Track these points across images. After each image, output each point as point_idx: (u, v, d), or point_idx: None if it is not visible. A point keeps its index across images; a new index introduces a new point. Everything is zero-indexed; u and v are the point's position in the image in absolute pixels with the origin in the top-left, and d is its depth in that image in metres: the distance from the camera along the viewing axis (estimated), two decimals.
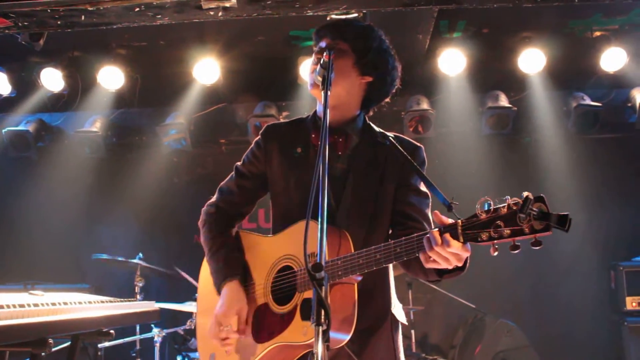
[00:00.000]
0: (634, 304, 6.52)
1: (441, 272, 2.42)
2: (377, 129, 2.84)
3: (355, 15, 4.55)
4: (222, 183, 3.01)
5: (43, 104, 7.49)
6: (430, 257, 2.22)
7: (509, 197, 2.05)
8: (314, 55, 2.76)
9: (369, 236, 2.62)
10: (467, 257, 2.26)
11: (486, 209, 2.09)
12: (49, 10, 3.90)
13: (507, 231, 2.04)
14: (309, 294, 2.49)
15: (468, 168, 6.81)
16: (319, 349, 1.83)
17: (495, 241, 2.07)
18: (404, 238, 2.31)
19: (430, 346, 7.05)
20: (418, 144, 2.84)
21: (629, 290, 6.54)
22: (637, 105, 6.87)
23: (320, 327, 1.84)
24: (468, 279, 7.36)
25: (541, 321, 7.09)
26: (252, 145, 2.94)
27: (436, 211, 2.28)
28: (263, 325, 2.65)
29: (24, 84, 7.27)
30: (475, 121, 7.23)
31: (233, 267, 2.78)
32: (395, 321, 2.76)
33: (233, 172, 2.98)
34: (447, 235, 2.16)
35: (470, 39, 6.71)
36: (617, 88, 7.16)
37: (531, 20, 6.57)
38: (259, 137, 2.93)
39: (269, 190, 2.91)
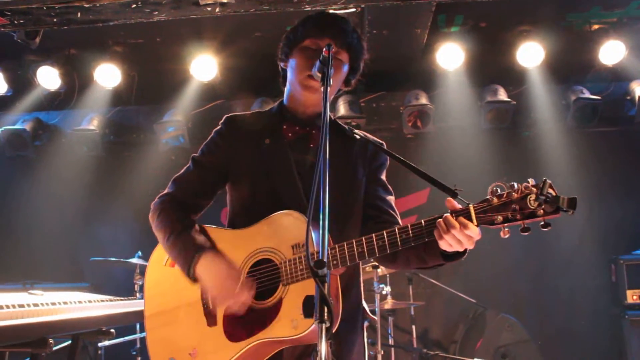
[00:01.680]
0: (634, 297, 6.52)
1: (445, 256, 2.42)
2: (343, 125, 2.82)
3: (354, 10, 4.54)
4: (176, 174, 2.85)
5: (40, 103, 7.47)
6: (444, 239, 2.27)
7: (515, 184, 2.19)
8: (310, 47, 2.66)
9: (343, 230, 2.57)
10: None
11: (498, 193, 2.21)
12: (44, 8, 3.87)
13: (519, 214, 2.17)
14: (296, 287, 2.42)
15: (467, 162, 6.79)
16: (323, 347, 1.80)
17: (508, 224, 2.19)
18: (409, 225, 2.33)
19: (431, 341, 7.04)
20: (380, 141, 2.81)
21: (630, 283, 6.54)
22: (636, 98, 6.86)
23: (324, 324, 1.82)
24: (469, 274, 7.39)
25: (542, 315, 7.09)
26: (213, 134, 2.83)
27: (449, 198, 2.32)
28: (239, 322, 2.50)
29: (21, 83, 7.25)
30: (474, 115, 7.22)
31: (203, 242, 2.62)
32: (364, 313, 2.75)
33: (190, 163, 2.83)
34: (463, 219, 2.23)
35: (468, 33, 6.69)
36: (616, 81, 7.16)
37: (529, 14, 6.56)
38: (220, 126, 2.82)
39: (228, 181, 2.79)
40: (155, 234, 2.76)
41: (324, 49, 2.38)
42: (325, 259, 1.91)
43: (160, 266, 2.78)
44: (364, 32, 5.81)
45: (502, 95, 7.01)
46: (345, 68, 2.70)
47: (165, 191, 2.81)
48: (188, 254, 2.57)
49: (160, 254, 2.80)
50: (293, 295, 2.42)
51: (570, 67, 7.04)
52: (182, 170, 2.84)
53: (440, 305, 7.14)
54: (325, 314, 1.84)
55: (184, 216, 2.73)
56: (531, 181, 2.18)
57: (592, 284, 7.06)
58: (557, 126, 7.16)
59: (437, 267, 2.55)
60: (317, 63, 2.41)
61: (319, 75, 2.40)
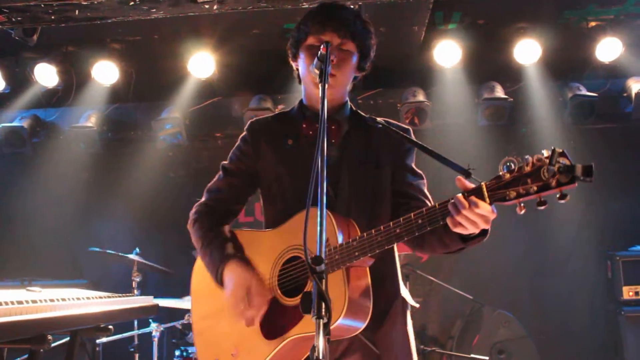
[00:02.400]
0: (630, 294, 6.54)
1: (465, 239, 2.39)
2: (364, 114, 2.83)
3: (351, 7, 4.54)
4: (209, 184, 2.95)
5: (37, 100, 7.47)
6: (458, 222, 2.21)
7: (529, 157, 2.07)
8: (314, 44, 2.67)
9: (372, 222, 2.55)
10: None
11: (510, 168, 2.12)
12: (42, 5, 3.88)
13: (534, 187, 2.05)
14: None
15: (464, 159, 6.74)
16: (320, 342, 1.82)
17: (522, 199, 2.08)
18: (424, 209, 2.30)
19: (428, 337, 7.06)
20: (407, 126, 2.83)
21: (626, 279, 6.56)
22: (633, 95, 6.86)
23: (322, 320, 1.83)
24: (466, 270, 7.40)
25: (539, 311, 7.11)
26: (239, 142, 2.90)
27: (459, 176, 2.27)
28: (272, 321, 2.57)
29: (18, 80, 7.25)
30: (472, 112, 7.23)
31: (230, 250, 2.71)
32: (405, 304, 2.73)
33: (220, 172, 2.92)
34: (474, 197, 2.16)
35: (465, 30, 6.70)
36: (613, 78, 7.16)
37: (526, 11, 6.57)
38: (245, 133, 2.89)
39: (259, 186, 2.87)
40: (194, 245, 2.88)
41: (322, 46, 2.40)
42: (323, 256, 1.93)
43: (203, 271, 2.87)
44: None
45: (499, 92, 7.01)
46: (355, 57, 2.70)
47: (200, 201, 2.93)
48: (215, 264, 2.69)
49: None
50: None
51: (567, 64, 7.05)
52: (214, 179, 2.94)
53: (438, 301, 7.16)
54: (323, 310, 1.85)
55: (216, 225, 2.84)
56: (545, 152, 2.05)
57: (588, 281, 7.08)
58: (554, 123, 7.16)
59: (460, 251, 2.49)
60: (315, 60, 2.42)
61: (317, 71, 2.41)
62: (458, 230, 2.25)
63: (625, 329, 6.49)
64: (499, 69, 7.07)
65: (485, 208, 2.15)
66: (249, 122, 2.92)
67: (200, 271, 2.91)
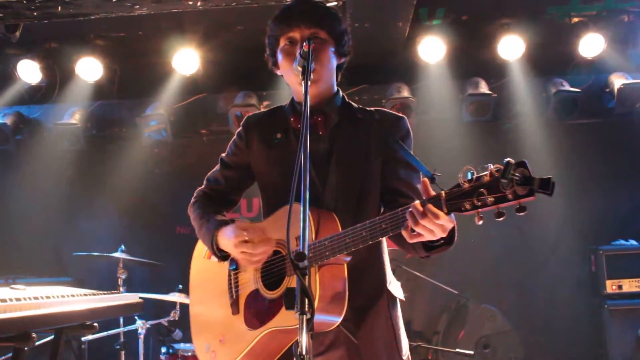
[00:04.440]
0: (613, 287, 6.60)
1: (428, 248, 2.36)
2: (356, 105, 2.84)
3: (335, 3, 4.55)
4: (209, 173, 3.02)
5: (20, 97, 7.41)
6: (413, 231, 2.17)
7: (490, 165, 2.00)
8: (286, 43, 2.69)
9: (359, 216, 2.55)
10: (453, 229, 2.23)
11: (469, 178, 2.04)
12: (24, 2, 3.86)
13: (490, 199, 1.98)
14: (290, 277, 2.51)
15: (449, 155, 6.80)
16: (304, 338, 1.83)
17: (479, 209, 2.02)
18: (388, 213, 2.27)
19: (413, 332, 7.08)
20: (400, 115, 2.84)
21: (609, 273, 6.62)
22: (615, 90, 6.92)
23: (305, 316, 1.85)
24: (451, 265, 7.42)
25: (523, 305, 7.16)
26: (235, 136, 2.94)
27: (425, 179, 2.20)
28: (255, 311, 2.63)
29: (1, 77, 7.19)
30: (456, 108, 7.25)
31: (225, 220, 2.76)
32: (392, 297, 2.70)
33: (218, 164, 2.99)
34: (430, 206, 2.10)
35: (449, 26, 6.73)
36: (596, 74, 7.21)
37: (510, 7, 6.61)
38: (240, 128, 2.93)
39: (255, 179, 2.91)
40: (193, 225, 2.90)
41: (304, 44, 2.41)
42: (306, 251, 1.94)
43: (200, 259, 2.98)
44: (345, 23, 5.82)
45: (483, 87, 7.04)
46: (330, 45, 2.70)
47: (200, 188, 3.01)
48: (210, 233, 2.72)
49: (201, 248, 3.00)
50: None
51: (550, 60, 7.10)
52: (213, 169, 3.01)
53: (423, 296, 7.18)
54: (307, 306, 1.86)
55: (213, 206, 2.90)
56: (505, 162, 1.94)
57: (572, 275, 7.13)
58: (538, 118, 7.20)
59: (427, 258, 2.46)
60: (298, 57, 2.43)
61: (300, 69, 2.42)
62: (415, 239, 2.22)
63: (608, 322, 6.55)
64: (483, 64, 7.11)
65: (442, 217, 2.10)
66: (245, 117, 2.97)
67: (198, 258, 2.99)
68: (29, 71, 6.93)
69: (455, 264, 6.85)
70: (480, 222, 2.04)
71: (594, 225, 7.11)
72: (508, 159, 1.94)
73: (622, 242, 6.82)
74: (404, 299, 2.82)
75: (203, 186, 3.01)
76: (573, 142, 7.10)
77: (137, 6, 4.04)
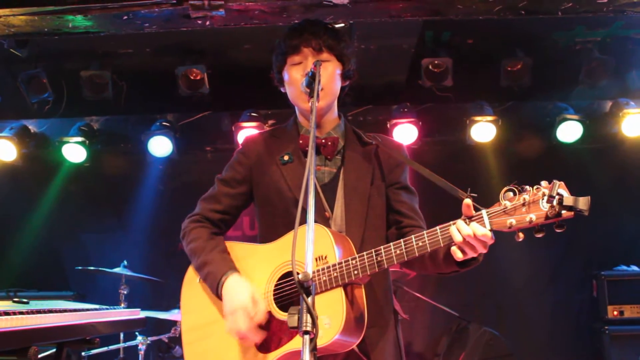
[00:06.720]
0: (615, 313, 6.59)
1: (460, 263, 2.44)
2: (358, 131, 2.88)
3: (342, 25, 4.59)
4: (203, 195, 2.98)
5: (27, 111, 7.44)
6: (458, 246, 2.28)
7: (528, 186, 2.19)
8: (293, 63, 2.74)
9: (367, 238, 2.62)
10: None
11: (510, 196, 2.21)
12: (36, 18, 3.90)
13: (532, 217, 2.15)
14: (317, 299, 2.47)
15: (453, 178, 6.81)
16: (307, 358, 1.84)
17: (521, 226, 2.17)
18: (425, 232, 2.35)
19: (414, 354, 7.07)
20: (399, 142, 2.92)
21: (611, 299, 6.61)
22: (620, 116, 6.93)
23: (308, 336, 1.85)
24: (452, 287, 7.38)
25: (524, 330, 7.12)
26: (235, 155, 2.95)
27: (466, 199, 2.32)
28: (267, 334, 2.59)
29: (8, 90, 7.22)
30: (460, 131, 7.27)
31: (229, 264, 2.72)
32: (396, 314, 2.78)
33: (215, 184, 2.95)
34: (475, 224, 2.22)
35: (454, 49, 6.75)
36: (600, 99, 7.24)
37: (516, 32, 6.63)
38: (241, 148, 2.95)
39: (252, 200, 2.91)
40: (187, 254, 2.89)
41: (313, 65, 2.44)
42: (310, 272, 1.95)
43: (194, 283, 2.89)
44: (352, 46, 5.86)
45: (488, 111, 7.06)
46: (336, 67, 2.74)
47: (194, 211, 2.95)
48: (216, 277, 2.67)
49: (193, 272, 2.92)
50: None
51: (555, 85, 7.12)
52: (208, 191, 2.96)
53: (424, 318, 7.16)
54: (310, 325, 1.87)
55: (211, 235, 2.85)
56: (544, 183, 2.18)
57: (574, 299, 7.12)
58: (542, 143, 7.23)
59: (454, 274, 2.56)
60: (306, 78, 2.47)
61: (307, 90, 2.46)
62: (458, 255, 2.30)
63: (609, 347, 6.53)
64: (487, 88, 7.13)
65: (486, 234, 2.22)
66: (244, 139, 2.98)
67: (191, 282, 2.91)
68: (36, 86, 6.96)
69: (457, 286, 6.84)
70: (521, 239, 2.19)
71: (597, 250, 7.11)
72: (554, 180, 2.15)
73: (624, 267, 6.81)
74: (406, 317, 2.86)
75: (197, 209, 2.95)
76: (577, 166, 7.10)
77: (147, 24, 4.08)
